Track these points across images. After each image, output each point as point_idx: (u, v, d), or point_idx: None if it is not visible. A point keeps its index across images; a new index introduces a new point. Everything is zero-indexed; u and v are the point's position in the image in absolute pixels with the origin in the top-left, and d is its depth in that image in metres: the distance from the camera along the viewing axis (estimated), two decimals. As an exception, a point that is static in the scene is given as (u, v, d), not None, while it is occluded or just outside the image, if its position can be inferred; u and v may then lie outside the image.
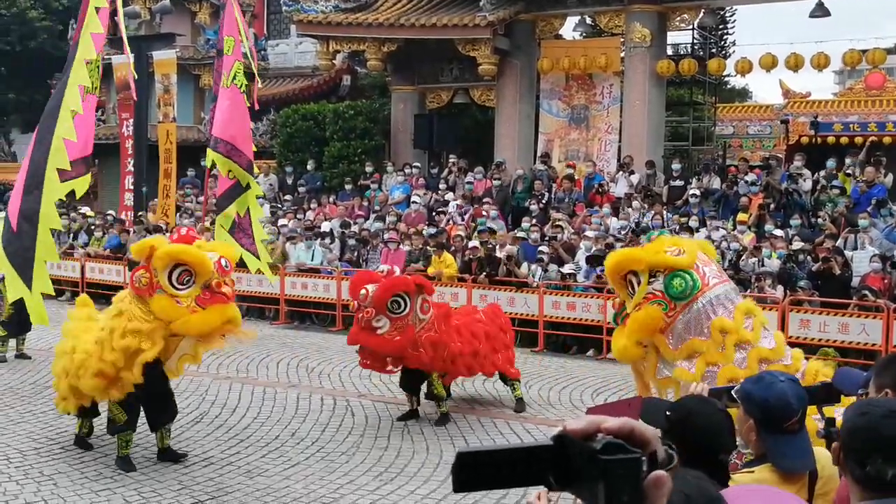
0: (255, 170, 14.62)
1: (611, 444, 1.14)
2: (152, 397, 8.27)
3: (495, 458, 1.17)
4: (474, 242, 16.12)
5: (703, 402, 3.47)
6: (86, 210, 22.29)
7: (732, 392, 3.56)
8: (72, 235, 20.80)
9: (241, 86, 13.76)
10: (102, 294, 18.90)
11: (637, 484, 1.14)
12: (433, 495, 7.68)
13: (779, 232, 14.87)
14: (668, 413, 3.29)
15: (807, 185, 16.85)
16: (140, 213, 20.29)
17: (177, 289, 7.56)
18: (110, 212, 22.22)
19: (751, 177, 17.61)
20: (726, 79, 31.48)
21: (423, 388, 10.19)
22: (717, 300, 6.35)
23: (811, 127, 24.40)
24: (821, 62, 18.92)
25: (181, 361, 8.41)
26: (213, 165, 12.84)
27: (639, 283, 6.53)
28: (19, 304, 12.80)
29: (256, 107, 14.13)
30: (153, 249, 7.70)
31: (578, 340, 14.53)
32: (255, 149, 14.15)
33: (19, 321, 12.93)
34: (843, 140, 24.41)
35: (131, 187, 21.37)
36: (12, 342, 13.10)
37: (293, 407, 10.63)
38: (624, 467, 1.13)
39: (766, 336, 6.36)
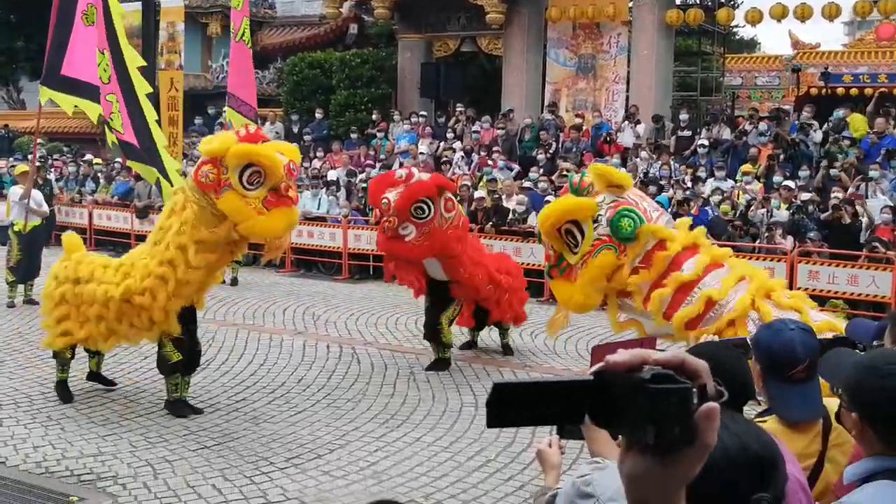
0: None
1: (659, 374, 1.09)
2: (185, 347, 8.18)
3: (532, 393, 1.13)
4: (480, 192, 16.04)
5: (727, 349, 3.30)
6: (90, 157, 22.21)
7: (748, 340, 3.51)
8: (79, 182, 20.78)
9: (248, 41, 13.96)
10: (110, 241, 19.00)
11: (688, 415, 1.09)
12: (439, 443, 7.71)
13: (790, 183, 14.73)
14: None
15: (817, 136, 16.70)
16: (147, 161, 20.18)
17: (246, 189, 7.37)
18: (117, 159, 22.14)
19: (762, 126, 17.45)
20: (735, 29, 31.05)
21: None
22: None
23: (821, 78, 24.13)
24: (831, 12, 18.60)
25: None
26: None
27: (582, 233, 6.40)
28: (28, 250, 12.93)
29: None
30: (225, 147, 7.45)
31: (585, 291, 14.48)
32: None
33: (28, 267, 13.00)
34: (853, 91, 24.15)
35: (136, 135, 21.25)
36: (20, 287, 13.15)
37: (299, 354, 10.66)
38: (675, 396, 1.08)
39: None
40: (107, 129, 10.75)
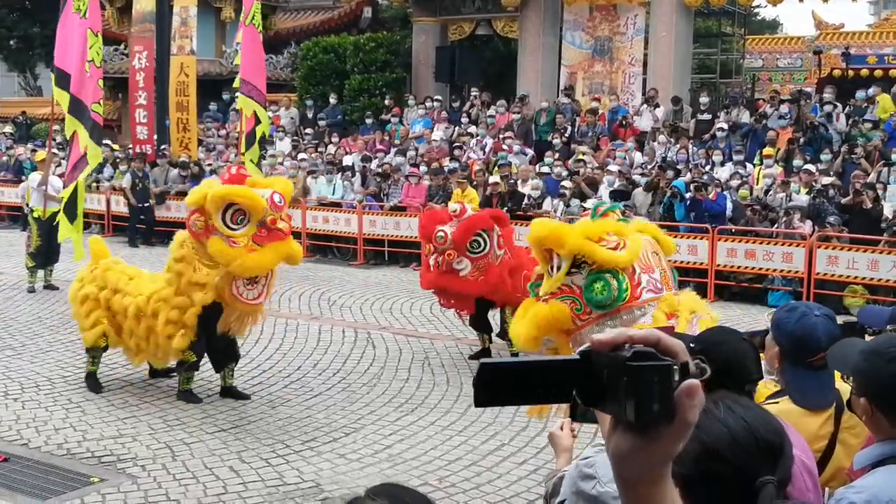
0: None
1: (640, 352, 1.09)
2: (217, 342, 8.14)
3: (518, 372, 1.12)
4: (495, 178, 16.01)
5: (728, 332, 3.28)
6: (108, 143, 22.25)
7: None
8: (96, 169, 20.77)
9: (258, 25, 13.98)
10: (127, 227, 19.07)
11: (668, 392, 1.09)
12: (453, 426, 7.73)
13: (811, 167, 14.55)
14: (691, 345, 2.95)
15: (841, 120, 16.46)
16: (163, 147, 20.24)
17: (232, 229, 7.39)
18: (129, 146, 22.24)
19: (783, 109, 17.27)
20: (756, 9, 30.84)
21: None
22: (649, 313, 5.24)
23: (842, 58, 23.85)
24: (855, -8, 18.41)
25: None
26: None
27: (559, 267, 5.27)
28: (47, 236, 13.01)
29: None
30: (204, 195, 7.54)
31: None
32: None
33: (47, 253, 13.08)
34: (878, 73, 23.87)
35: (143, 120, 21.30)
36: (41, 273, 13.25)
37: (315, 339, 10.70)
38: (655, 374, 1.08)
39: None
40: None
